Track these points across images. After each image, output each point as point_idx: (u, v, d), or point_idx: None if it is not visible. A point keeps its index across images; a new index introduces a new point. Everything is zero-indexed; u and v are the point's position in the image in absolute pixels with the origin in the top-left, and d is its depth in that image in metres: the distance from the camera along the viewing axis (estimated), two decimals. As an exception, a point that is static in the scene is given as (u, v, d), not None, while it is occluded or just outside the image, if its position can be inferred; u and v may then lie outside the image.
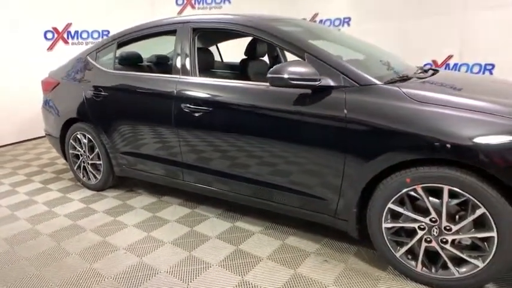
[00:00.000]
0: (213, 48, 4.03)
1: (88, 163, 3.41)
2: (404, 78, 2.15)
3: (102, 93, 3.08)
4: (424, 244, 1.86)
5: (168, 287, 2.04)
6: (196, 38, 2.70)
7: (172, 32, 2.81)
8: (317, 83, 2.00)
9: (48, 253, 2.43)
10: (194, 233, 2.61)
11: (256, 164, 2.35)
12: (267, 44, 3.18)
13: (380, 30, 5.39)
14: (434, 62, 5.36)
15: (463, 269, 1.80)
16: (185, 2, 6.69)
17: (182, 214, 2.91)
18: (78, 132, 3.38)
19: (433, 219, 1.80)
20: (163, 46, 3.54)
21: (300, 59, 2.15)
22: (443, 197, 1.75)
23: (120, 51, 3.25)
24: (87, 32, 6.04)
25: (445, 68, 5.29)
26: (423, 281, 1.92)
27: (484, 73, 5.02)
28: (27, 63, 5.38)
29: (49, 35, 5.71)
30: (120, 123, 3.02)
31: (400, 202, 1.89)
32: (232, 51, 3.92)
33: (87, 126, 3.28)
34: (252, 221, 2.74)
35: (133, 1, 6.32)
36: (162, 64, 3.56)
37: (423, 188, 1.79)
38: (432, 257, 1.89)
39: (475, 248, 1.77)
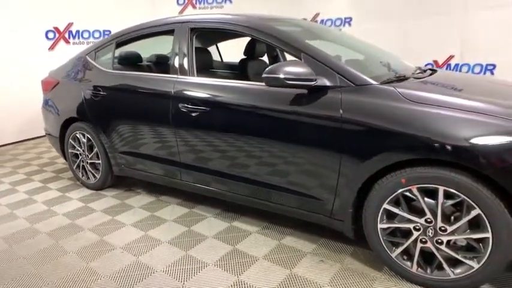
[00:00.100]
0: (213, 48, 4.04)
1: (87, 162, 3.42)
2: (401, 78, 2.15)
3: (101, 93, 3.09)
4: (419, 245, 1.86)
5: (164, 286, 2.04)
6: (194, 37, 2.70)
7: (170, 32, 2.82)
8: (313, 83, 2.00)
9: (46, 252, 2.44)
10: (191, 233, 2.61)
11: (253, 164, 2.35)
12: (265, 44, 3.17)
13: (381, 30, 5.38)
14: (435, 62, 5.35)
15: (458, 270, 1.79)
16: (186, 1, 6.70)
17: (180, 214, 2.92)
18: (78, 132, 3.39)
19: (429, 220, 1.80)
20: (164, 46, 3.55)
21: (296, 59, 2.15)
22: (439, 197, 1.74)
23: (119, 51, 3.26)
24: (89, 31, 6.06)
25: (447, 68, 5.27)
26: (418, 281, 1.92)
27: (485, 73, 5.01)
28: (29, 63, 5.41)
29: (50, 35, 5.74)
30: (118, 123, 3.03)
31: (396, 202, 1.88)
32: (232, 51, 3.92)
33: (86, 126, 3.29)
34: (250, 220, 2.74)
35: (134, 0, 6.35)
36: (162, 64, 3.56)
37: (418, 189, 1.78)
38: (427, 258, 1.89)
39: (470, 249, 1.77)
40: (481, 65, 5.03)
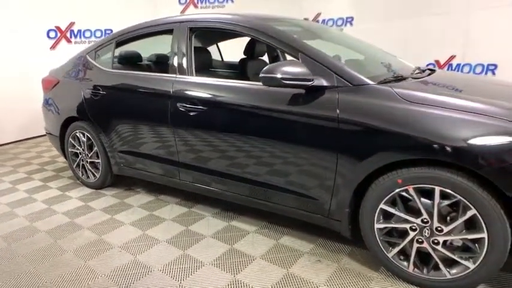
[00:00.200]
0: (213, 48, 4.04)
1: (87, 161, 3.43)
2: (399, 78, 2.15)
3: (101, 92, 3.10)
4: (415, 245, 1.86)
5: (161, 285, 2.05)
6: (193, 37, 2.71)
7: (169, 32, 2.83)
8: (310, 83, 2.00)
9: (44, 250, 2.45)
10: (189, 232, 2.62)
11: (251, 163, 2.35)
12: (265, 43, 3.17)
13: (383, 30, 5.37)
14: (437, 62, 5.33)
15: (454, 270, 1.79)
16: (188, 1, 6.70)
17: (179, 213, 2.93)
18: (77, 131, 3.41)
19: (425, 220, 1.80)
20: (164, 45, 3.54)
21: (294, 59, 2.15)
22: (435, 198, 1.74)
23: (119, 50, 3.27)
24: (90, 31, 6.08)
25: (448, 68, 5.25)
26: (415, 281, 1.92)
27: (486, 73, 4.98)
28: (30, 62, 5.43)
29: (52, 34, 5.76)
30: (118, 122, 3.04)
31: (392, 203, 1.88)
32: (232, 50, 3.92)
33: (86, 125, 3.31)
34: (248, 220, 2.75)
35: (136, 0, 6.35)
36: (162, 63, 3.56)
37: (415, 189, 1.78)
38: (424, 258, 1.88)
39: (466, 249, 1.76)
40: (483, 65, 5.01)
